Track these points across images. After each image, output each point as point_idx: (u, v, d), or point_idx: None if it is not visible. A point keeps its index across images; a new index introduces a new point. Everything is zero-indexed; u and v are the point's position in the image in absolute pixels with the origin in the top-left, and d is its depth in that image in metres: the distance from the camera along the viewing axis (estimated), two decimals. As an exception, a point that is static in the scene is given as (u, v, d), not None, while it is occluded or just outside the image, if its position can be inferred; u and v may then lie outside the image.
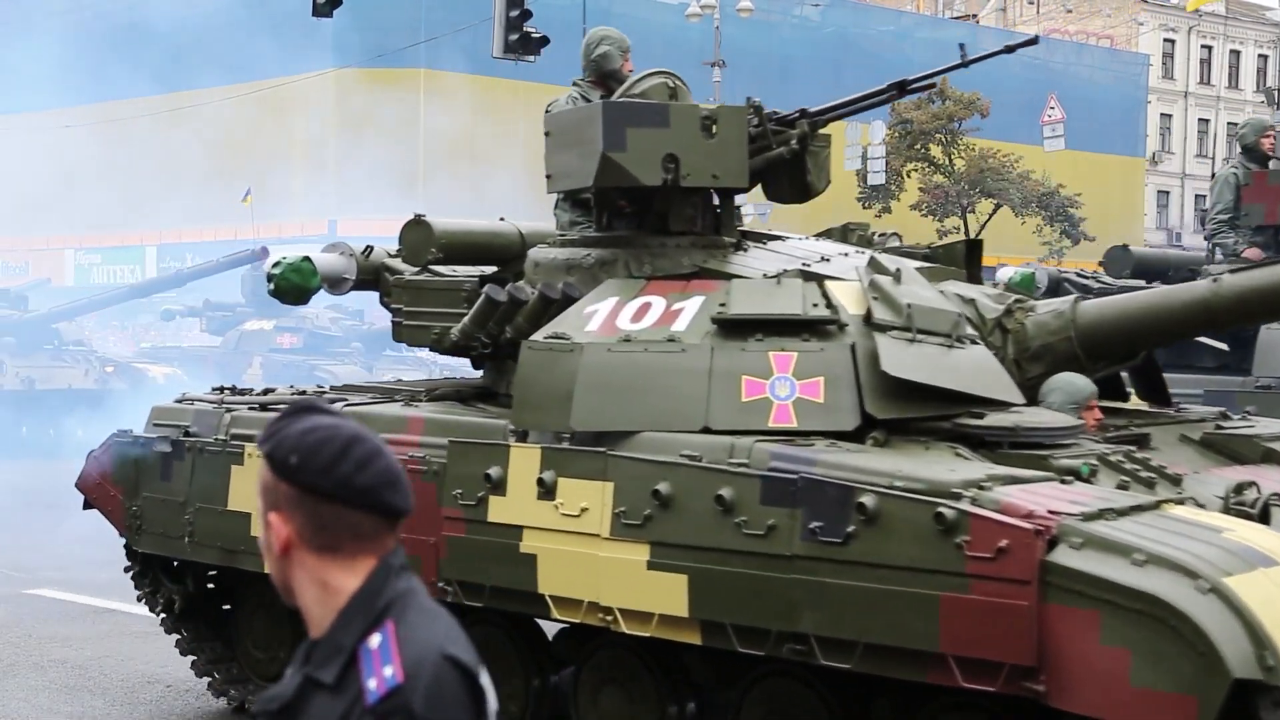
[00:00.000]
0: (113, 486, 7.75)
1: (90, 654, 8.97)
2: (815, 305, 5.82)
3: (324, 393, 7.75)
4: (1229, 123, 66.36)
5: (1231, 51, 66.50)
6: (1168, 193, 64.68)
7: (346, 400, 7.12)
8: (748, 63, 43.16)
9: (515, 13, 19.74)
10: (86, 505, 8.01)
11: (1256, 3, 70.54)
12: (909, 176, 43.20)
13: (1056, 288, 11.10)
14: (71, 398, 21.15)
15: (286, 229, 40.04)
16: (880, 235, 7.35)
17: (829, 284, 5.95)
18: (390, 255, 7.54)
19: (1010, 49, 7.07)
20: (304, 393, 7.94)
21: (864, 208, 43.08)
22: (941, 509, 4.79)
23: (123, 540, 7.86)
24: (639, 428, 5.72)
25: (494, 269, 7.32)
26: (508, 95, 40.57)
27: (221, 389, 7.97)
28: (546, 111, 7.02)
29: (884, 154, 40.96)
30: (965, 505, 4.79)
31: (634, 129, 6.17)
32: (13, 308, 22.76)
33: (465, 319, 6.70)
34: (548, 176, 6.66)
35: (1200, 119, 65.72)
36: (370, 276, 7.51)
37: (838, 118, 7.10)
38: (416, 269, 7.28)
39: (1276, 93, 59.71)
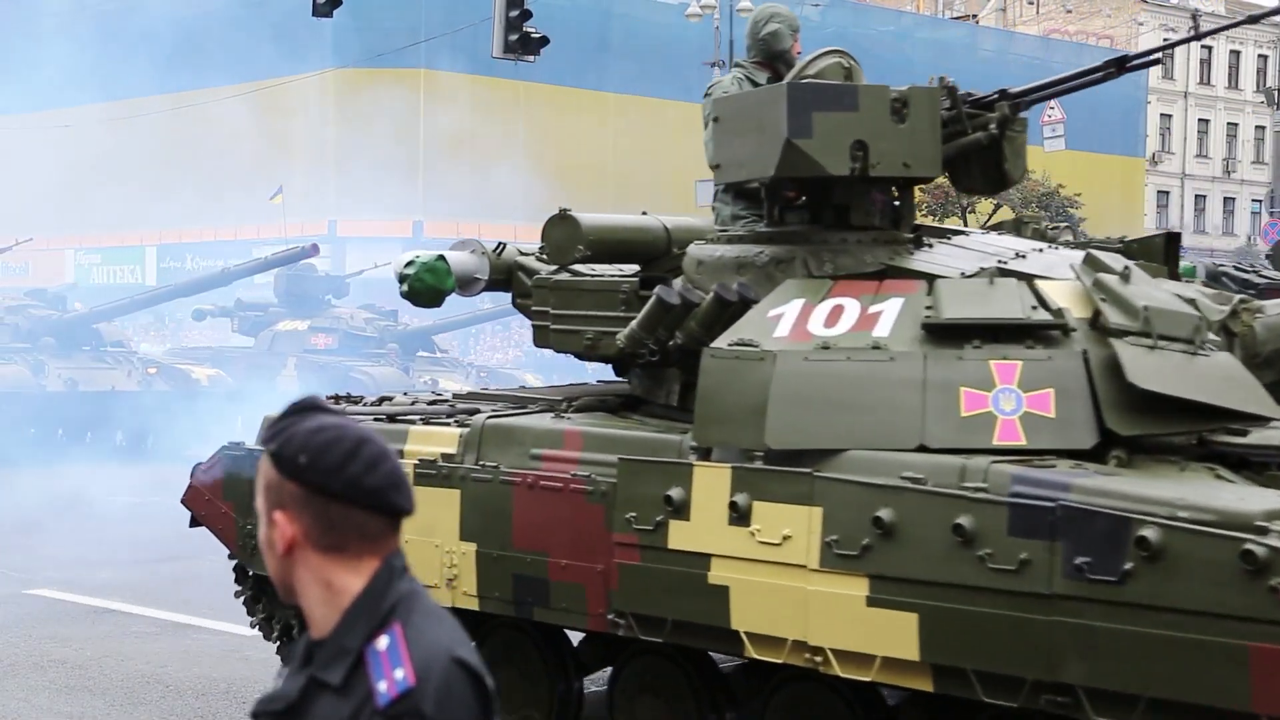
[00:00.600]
0: (223, 503, 7.32)
1: (90, 654, 8.97)
2: (1034, 308, 5.28)
3: (442, 400, 7.34)
4: (1229, 123, 66.37)
5: (1231, 51, 66.49)
6: (1168, 193, 64.66)
7: (477, 410, 6.70)
8: (748, 63, 43.14)
9: (515, 13, 19.73)
10: (193, 523, 7.59)
11: (1256, 3, 70.53)
12: (909, 176, 43.18)
13: (1215, 282, 10.39)
14: (114, 400, 20.73)
15: (287, 229, 40.06)
16: (1053, 228, 6.79)
17: (1039, 284, 5.43)
18: (521, 254, 7.08)
19: (1254, 19, 6.69)
20: (415, 401, 7.46)
21: (864, 208, 43.12)
22: (1249, 546, 4.20)
23: (233, 562, 7.46)
24: (845, 445, 5.15)
25: (636, 267, 6.84)
26: (508, 95, 40.58)
27: (336, 398, 7.55)
28: (706, 95, 6.59)
29: (884, 154, 40.96)
30: (1275, 541, 4.21)
31: (821, 113, 5.56)
32: (51, 308, 22.26)
33: (633, 323, 6.05)
34: (714, 167, 6.17)
35: (1200, 119, 65.71)
36: (502, 276, 7.03)
37: (1043, 99, 6.45)
38: (554, 268, 6.77)
39: (1276, 93, 59.78)
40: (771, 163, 5.65)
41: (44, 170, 37.88)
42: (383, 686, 2.07)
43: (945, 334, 5.26)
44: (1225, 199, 66.58)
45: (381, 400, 7.44)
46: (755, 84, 6.56)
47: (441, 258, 6.79)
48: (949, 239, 6.10)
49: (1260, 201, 63.08)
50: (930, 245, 5.93)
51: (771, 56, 6.90)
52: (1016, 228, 6.64)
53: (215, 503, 7.37)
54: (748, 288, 5.78)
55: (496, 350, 31.41)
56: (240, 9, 38.66)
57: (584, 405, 6.55)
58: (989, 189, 6.44)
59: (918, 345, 5.26)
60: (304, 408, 2.24)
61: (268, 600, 7.40)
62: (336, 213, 39.65)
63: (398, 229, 38.06)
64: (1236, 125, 66.62)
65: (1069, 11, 60.49)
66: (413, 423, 6.73)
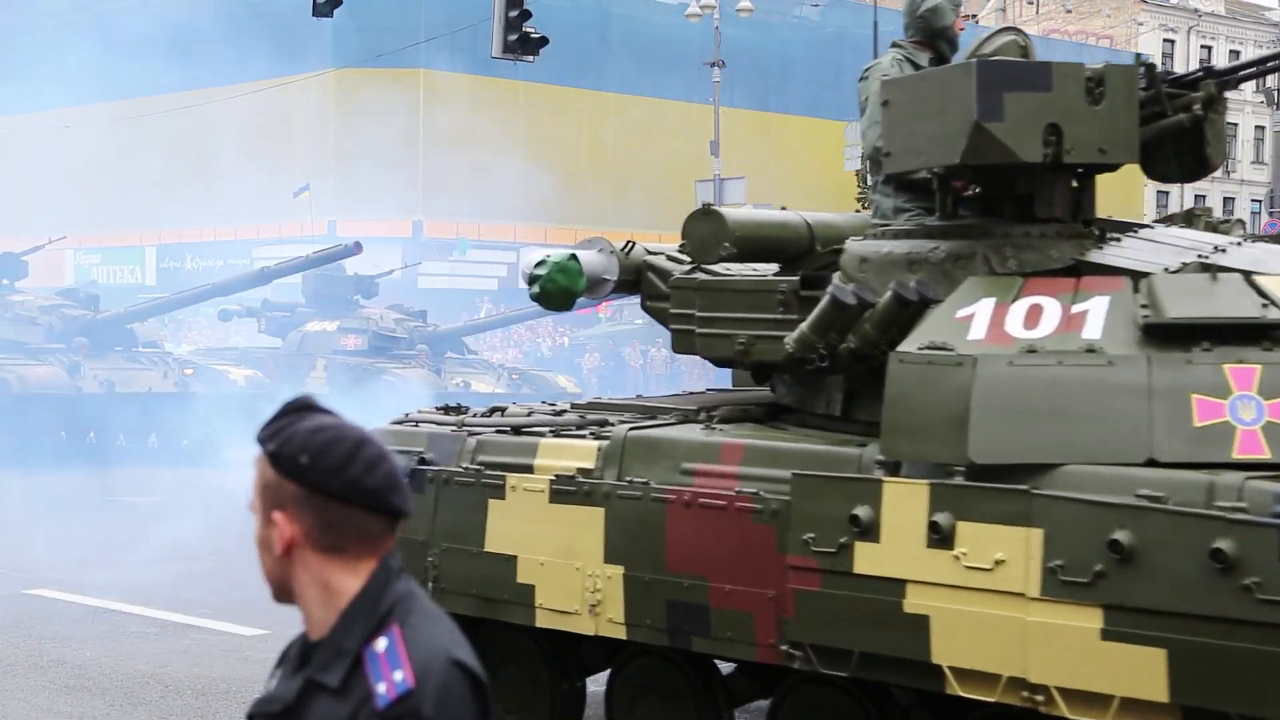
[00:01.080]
0: None
1: (90, 654, 8.97)
2: (1264, 305, 4.84)
3: (559, 411, 6.86)
4: (1229, 123, 66.23)
5: (1231, 51, 66.48)
6: (1167, 193, 64.64)
7: (604, 421, 6.29)
8: (748, 63, 43.19)
9: (515, 13, 19.72)
10: None
11: (1256, 3, 70.54)
12: (909, 176, 43.21)
13: None
14: (152, 401, 20.09)
15: (286, 229, 40.07)
16: (1224, 222, 6.36)
17: (1259, 279, 4.98)
18: (650, 253, 6.63)
19: None
20: (531, 412, 7.03)
21: (864, 207, 43.07)
22: None
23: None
24: (1062, 460, 4.70)
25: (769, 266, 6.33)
26: (507, 95, 40.59)
27: (446, 408, 7.06)
28: (861, 79, 6.06)
29: (884, 154, 40.97)
30: None
31: (1012, 94, 5.08)
32: (84, 308, 21.68)
33: (803, 326, 5.51)
34: (883, 155, 5.58)
35: (1200, 119, 65.71)
36: (630, 277, 6.59)
37: (1251, 77, 5.99)
38: (689, 269, 6.31)
39: (1276, 93, 59.75)
40: (956, 149, 5.15)
41: (43, 170, 37.89)
42: (382, 688, 2.07)
43: (1168, 335, 4.84)
44: (1225, 199, 66.59)
45: (493, 411, 6.90)
46: (917, 65, 6.05)
47: (574, 257, 6.41)
48: (1133, 232, 5.69)
49: (1260, 201, 63.14)
50: (1117, 239, 5.53)
51: (932, 35, 6.24)
52: (1188, 220, 6.16)
53: None
54: (926, 286, 5.34)
55: (496, 350, 31.37)
56: (240, 9, 38.66)
57: (728, 415, 6.09)
58: (1186, 175, 5.88)
59: (1137, 348, 4.84)
60: (299, 407, 2.23)
61: None
62: (336, 212, 39.64)
63: (398, 229, 38.09)
64: (1236, 125, 66.61)
65: (1069, 11, 60.50)
66: (541, 435, 6.28)
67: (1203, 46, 65.58)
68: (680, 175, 40.68)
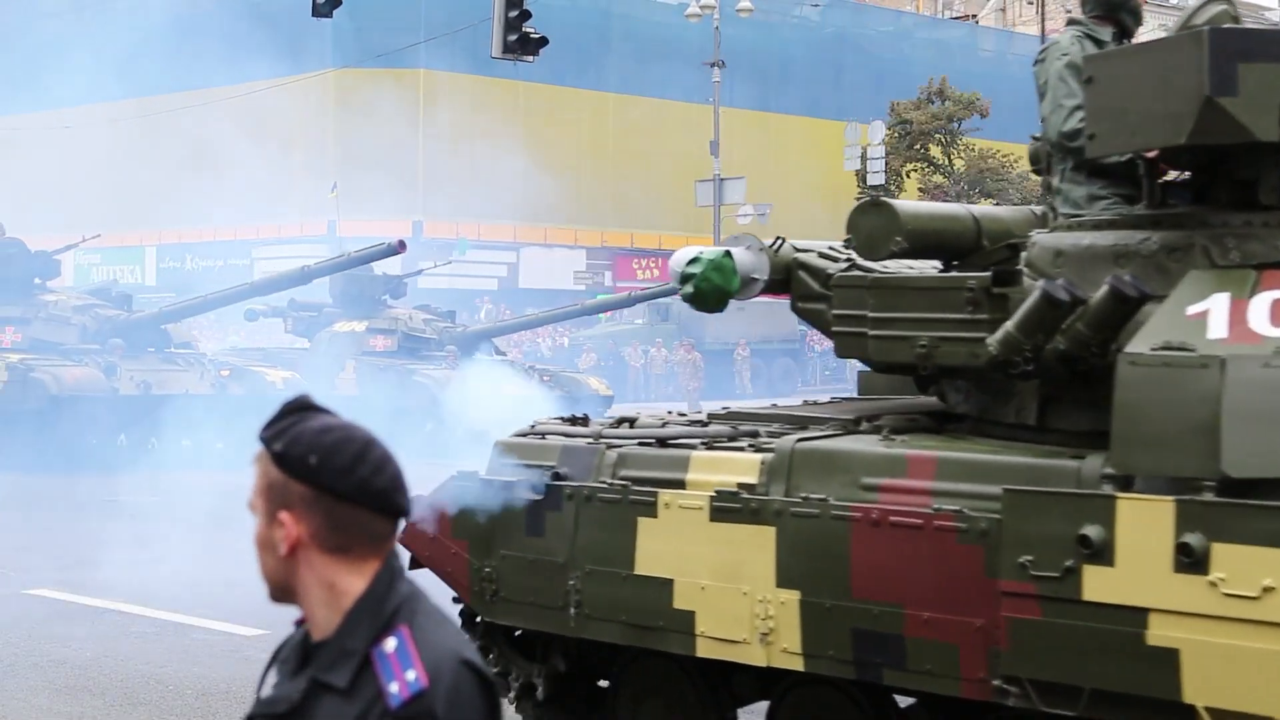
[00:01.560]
0: (454, 541, 6.29)
1: (90, 654, 8.97)
2: None
3: (702, 422, 6.35)
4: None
5: (1231, 51, 66.54)
6: (1167, 193, 64.74)
7: (754, 432, 5.84)
8: (748, 63, 43.21)
9: (514, 13, 19.73)
10: (414, 564, 6.38)
11: (1256, 3, 70.54)
12: (909, 176, 43.23)
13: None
14: (189, 404, 19.17)
15: (286, 230, 40.11)
16: None
17: None
18: (799, 250, 6.12)
19: None
20: (664, 422, 6.51)
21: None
22: None
23: (458, 606, 6.47)
24: None
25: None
26: (507, 95, 40.61)
27: (572, 419, 6.54)
28: (1037, 63, 5.60)
29: (883, 154, 40.99)
30: None
31: (1248, 65, 4.57)
32: (117, 308, 21.14)
33: (1008, 325, 5.04)
34: (1088, 137, 5.09)
35: (1200, 119, 65.78)
36: (779, 276, 6.06)
37: None
38: (845, 266, 5.86)
39: (1276, 93, 59.74)
40: (1182, 127, 4.65)
41: (43, 170, 37.90)
42: (394, 688, 2.09)
43: None
44: (1225, 199, 66.67)
45: (621, 422, 6.38)
46: (1099, 42, 5.59)
47: (729, 254, 5.96)
48: None
49: (1260, 201, 63.09)
50: None
51: (1112, 8, 5.74)
52: None
53: (444, 542, 6.31)
54: (1141, 281, 4.86)
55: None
56: (240, 9, 38.70)
57: (899, 426, 5.58)
58: None
59: None
60: (300, 407, 2.24)
61: (500, 653, 6.45)
62: (336, 212, 39.65)
63: (398, 229, 38.06)
64: (1236, 125, 66.69)
65: (1069, 11, 60.48)
66: (692, 447, 5.78)
67: (1203, 46, 65.60)
68: (680, 175, 40.74)
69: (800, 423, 5.89)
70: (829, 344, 6.14)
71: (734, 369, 35.22)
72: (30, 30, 39.42)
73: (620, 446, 5.92)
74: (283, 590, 2.22)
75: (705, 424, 6.23)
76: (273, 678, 2.27)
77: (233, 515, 9.76)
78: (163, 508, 15.00)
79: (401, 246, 20.44)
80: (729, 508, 5.44)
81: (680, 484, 5.67)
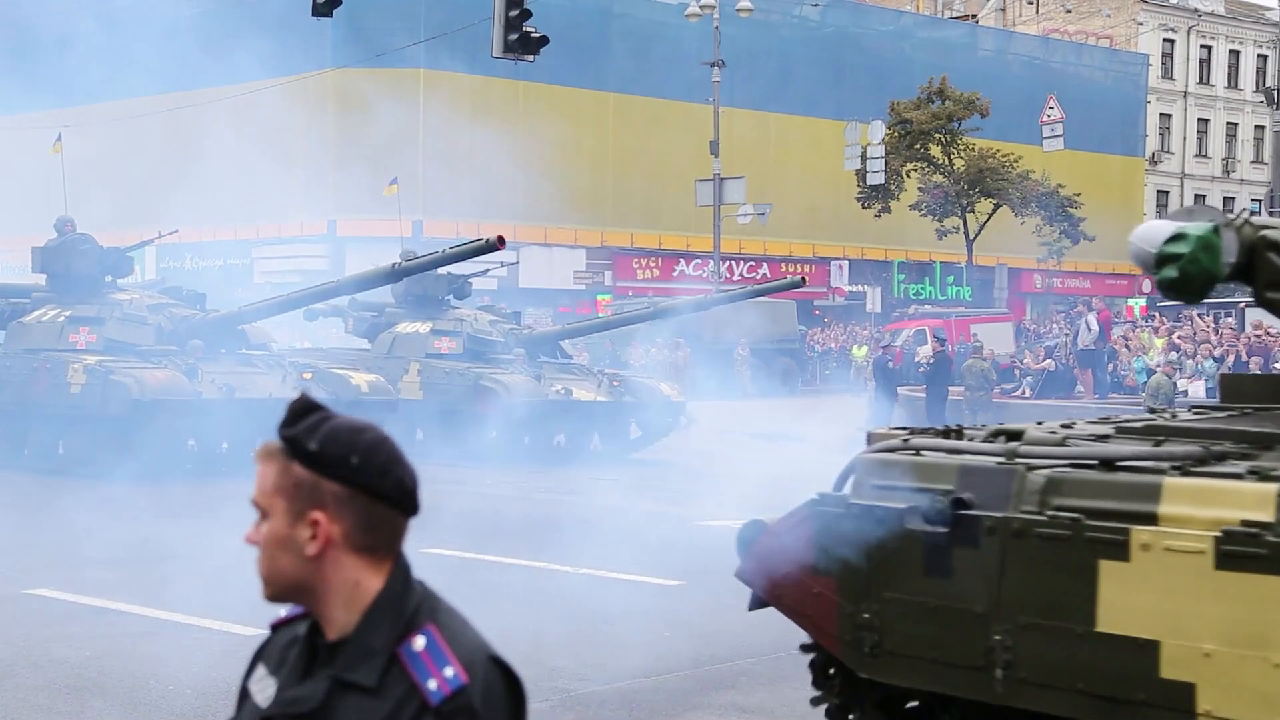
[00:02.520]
0: (816, 579, 5.22)
1: (90, 654, 8.96)
2: None
3: (1105, 435, 5.31)
4: (1228, 122, 66.37)
5: (1231, 51, 66.48)
6: (1167, 192, 64.67)
7: (1226, 454, 4.73)
8: (748, 63, 43.19)
9: (515, 12, 19.72)
10: (756, 603, 5.56)
11: (1256, 3, 70.52)
12: (909, 176, 43.23)
13: None
14: (275, 408, 18.93)
15: (286, 230, 40.10)
16: None
17: None
18: (1263, 227, 5.14)
19: None
20: (1063, 438, 5.21)
21: (864, 207, 43.12)
22: None
23: (808, 655, 5.58)
24: None
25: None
26: (508, 95, 40.59)
27: (946, 430, 5.52)
28: None
29: (883, 154, 40.98)
30: None
31: None
32: (191, 306, 20.05)
33: None
34: None
35: (1200, 119, 65.72)
36: (1242, 259, 5.02)
37: None
38: None
39: (1276, 92, 59.76)
40: None
41: (45, 170, 37.84)
42: (433, 685, 2.10)
43: None
44: (1225, 199, 66.55)
45: (998, 434, 5.18)
46: None
47: (1217, 230, 4.95)
48: None
49: (1260, 201, 63.06)
50: None
51: None
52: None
53: (806, 581, 5.26)
54: None
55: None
56: (239, 9, 38.67)
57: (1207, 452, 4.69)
58: None
59: None
60: (313, 405, 2.24)
61: (866, 711, 5.45)
62: (336, 212, 39.63)
63: (397, 229, 38.07)
64: (1236, 125, 66.61)
65: (1069, 11, 60.50)
66: (1159, 472, 4.63)
67: (1202, 46, 65.58)
68: (680, 175, 40.72)
69: (1259, 441, 4.85)
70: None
71: (734, 369, 35.20)
72: (27, 29, 39.38)
73: (1046, 468, 4.80)
74: (296, 590, 2.20)
75: (1157, 441, 5.07)
76: (265, 681, 2.25)
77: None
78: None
79: (500, 243, 18.97)
80: (1244, 552, 4.27)
81: (1150, 518, 4.52)
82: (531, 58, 20.95)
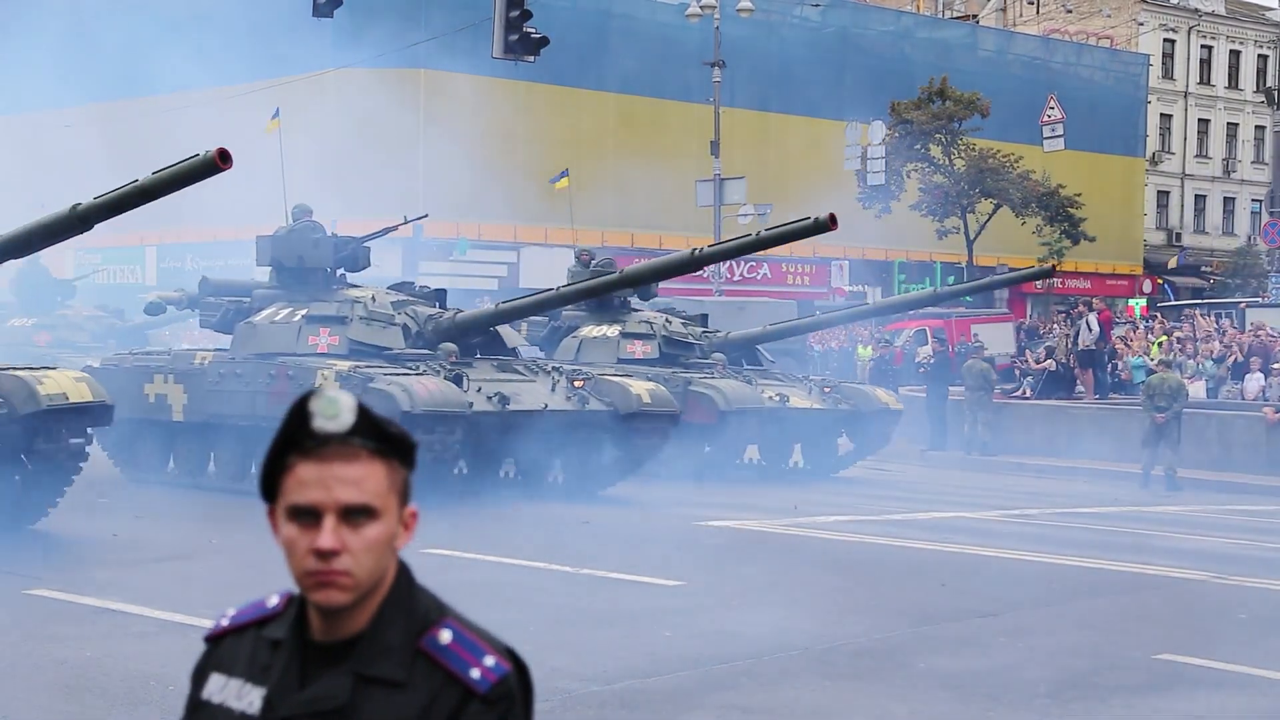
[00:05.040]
0: None
1: (90, 654, 8.96)
2: None
3: None
4: (1229, 123, 66.33)
5: (1231, 51, 66.44)
6: (1168, 193, 64.65)
7: None
8: (748, 63, 43.18)
9: (515, 13, 19.74)
10: None
11: (1256, 3, 70.49)
12: (909, 176, 43.21)
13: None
14: (552, 421, 16.23)
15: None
16: None
17: None
18: None
19: None
20: None
21: (864, 208, 43.12)
22: None
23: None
24: None
25: None
26: (508, 95, 40.58)
27: None
28: None
29: (884, 154, 40.97)
30: None
31: None
32: (431, 304, 17.96)
33: None
34: None
35: (1200, 119, 65.69)
36: None
37: None
38: None
39: (1276, 93, 59.74)
40: None
41: (45, 170, 37.84)
42: (476, 674, 2.12)
43: None
44: (1225, 199, 66.54)
45: None
46: None
47: None
48: None
49: (1260, 201, 63.07)
50: None
51: None
52: None
53: None
54: None
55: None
56: (239, 9, 38.68)
57: None
58: None
59: None
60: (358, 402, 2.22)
61: None
62: (336, 212, 39.55)
63: (398, 229, 38.14)
64: (1236, 125, 66.59)
65: (1069, 11, 60.48)
66: None
67: (1203, 46, 65.55)
68: (680, 175, 40.70)
69: None
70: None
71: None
72: (28, 28, 39.36)
73: None
74: (362, 588, 2.15)
75: None
76: (245, 689, 2.19)
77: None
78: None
79: (833, 222, 16.69)
80: None
81: None
82: (532, 58, 20.98)
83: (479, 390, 15.87)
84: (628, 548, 12.80)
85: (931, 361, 26.85)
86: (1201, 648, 9.34)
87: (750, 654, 8.79)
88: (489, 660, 2.13)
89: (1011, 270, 47.47)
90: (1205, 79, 65.61)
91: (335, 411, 2.13)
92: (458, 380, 15.76)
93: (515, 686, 2.14)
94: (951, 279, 50.03)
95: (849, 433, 20.62)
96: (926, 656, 8.88)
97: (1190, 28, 64.82)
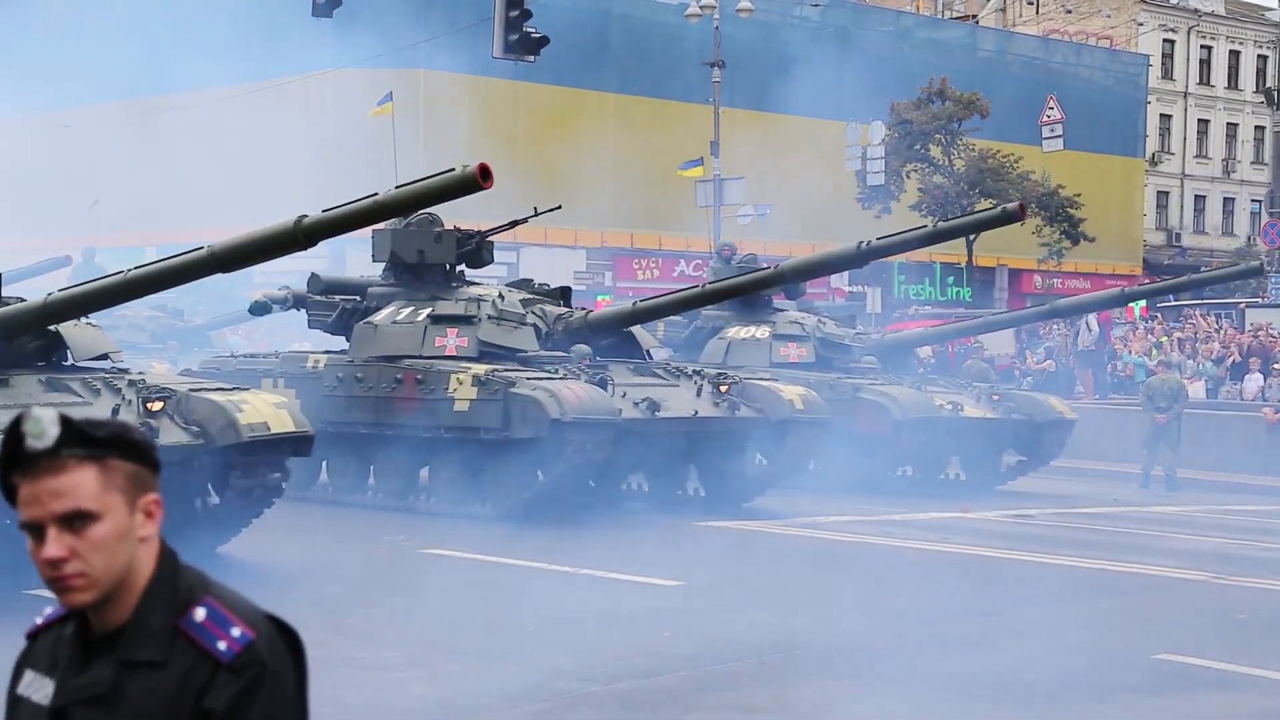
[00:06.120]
0: None
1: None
2: None
3: None
4: (1228, 123, 66.32)
5: (1231, 52, 66.43)
6: (1167, 193, 64.64)
7: None
8: (748, 63, 43.16)
9: (515, 13, 19.74)
10: None
11: (1256, 3, 70.48)
12: (909, 177, 43.22)
13: None
14: (699, 429, 15.18)
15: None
16: None
17: None
18: None
19: None
20: None
21: (864, 208, 43.12)
22: None
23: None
24: None
25: None
26: (508, 95, 40.57)
27: None
28: None
29: (883, 154, 40.98)
30: None
31: None
32: (555, 302, 16.83)
33: None
34: None
35: (1200, 119, 65.67)
36: None
37: None
38: None
39: (1276, 93, 59.73)
40: None
41: (43, 169, 37.85)
42: (222, 645, 2.24)
43: None
44: (1225, 199, 66.52)
45: None
46: None
47: None
48: None
49: (1260, 202, 63.02)
50: None
51: None
52: None
53: None
54: None
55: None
56: (240, 8, 38.67)
57: None
58: None
59: None
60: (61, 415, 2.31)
61: None
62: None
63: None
64: (1236, 125, 66.57)
65: (1069, 11, 60.46)
66: None
67: (1203, 47, 65.54)
68: (680, 175, 40.67)
69: None
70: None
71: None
72: (28, 28, 39.35)
73: None
74: (117, 585, 2.27)
75: None
76: (40, 681, 2.33)
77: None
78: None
79: (1021, 212, 15.63)
80: None
81: None
82: (532, 58, 20.96)
83: (623, 395, 14.64)
84: (628, 548, 12.80)
85: (932, 362, 26.83)
86: (1201, 648, 9.33)
87: (750, 654, 8.79)
88: (235, 631, 2.24)
89: (1010, 270, 47.37)
90: (1205, 79, 65.59)
91: (40, 430, 2.24)
92: (602, 385, 14.55)
93: (265, 653, 2.24)
94: (951, 279, 50.07)
95: (1017, 444, 19.17)
96: (926, 656, 8.88)
97: (1190, 28, 64.81)
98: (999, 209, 15.67)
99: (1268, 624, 10.58)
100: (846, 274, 45.12)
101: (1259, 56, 67.34)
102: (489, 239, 16.76)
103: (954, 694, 7.99)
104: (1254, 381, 24.31)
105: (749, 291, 17.69)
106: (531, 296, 16.48)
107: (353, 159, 38.35)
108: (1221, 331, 28.43)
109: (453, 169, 11.05)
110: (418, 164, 41.57)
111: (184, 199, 39.17)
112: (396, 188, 11.25)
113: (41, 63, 36.07)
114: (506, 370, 14.59)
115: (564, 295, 16.89)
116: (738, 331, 19.39)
